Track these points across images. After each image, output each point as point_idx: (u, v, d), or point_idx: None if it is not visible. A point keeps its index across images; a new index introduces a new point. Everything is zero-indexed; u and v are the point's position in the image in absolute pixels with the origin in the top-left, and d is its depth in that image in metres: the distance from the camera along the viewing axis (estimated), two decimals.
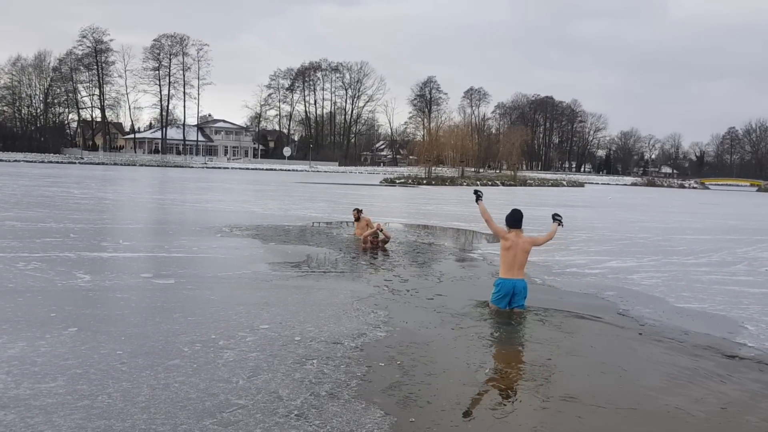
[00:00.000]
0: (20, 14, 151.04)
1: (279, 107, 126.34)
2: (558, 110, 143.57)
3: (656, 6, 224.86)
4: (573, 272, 10.64)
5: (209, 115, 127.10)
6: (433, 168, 67.01)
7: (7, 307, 6.62)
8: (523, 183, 71.76)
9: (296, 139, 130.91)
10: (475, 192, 8.50)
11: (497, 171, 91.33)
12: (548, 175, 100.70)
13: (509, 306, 7.57)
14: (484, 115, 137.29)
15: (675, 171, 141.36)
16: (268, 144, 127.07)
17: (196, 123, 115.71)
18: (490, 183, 66.55)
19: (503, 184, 66.91)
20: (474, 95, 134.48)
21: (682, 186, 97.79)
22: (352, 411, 4.31)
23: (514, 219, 8.00)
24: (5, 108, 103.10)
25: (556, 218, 8.44)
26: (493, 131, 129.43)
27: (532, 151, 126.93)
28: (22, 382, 4.52)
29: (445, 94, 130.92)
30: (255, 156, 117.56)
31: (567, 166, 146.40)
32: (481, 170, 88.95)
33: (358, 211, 14.35)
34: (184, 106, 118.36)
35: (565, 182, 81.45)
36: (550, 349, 6.12)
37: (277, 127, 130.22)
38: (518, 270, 7.78)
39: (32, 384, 4.51)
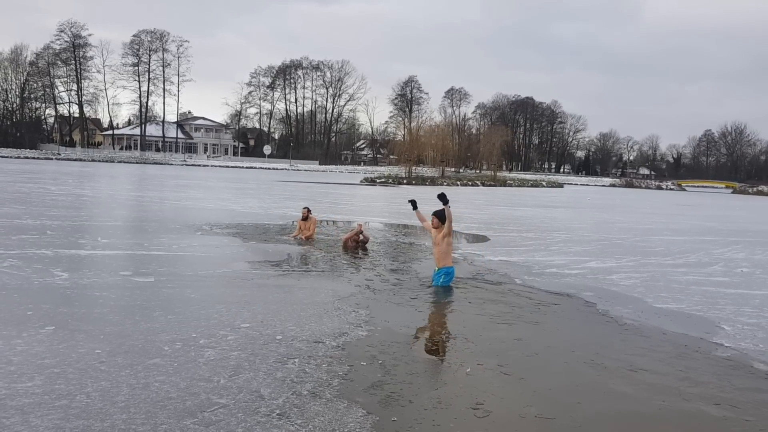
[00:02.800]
0: None
1: (259, 105, 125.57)
2: (538, 111, 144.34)
3: (630, 8, 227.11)
4: (553, 272, 10.73)
5: (189, 112, 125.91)
6: (414, 168, 67.09)
7: None
8: (503, 183, 72.10)
9: (276, 137, 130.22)
10: (411, 202, 10.00)
11: (477, 171, 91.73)
12: (528, 176, 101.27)
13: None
14: (465, 115, 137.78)
15: (652, 172, 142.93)
16: (248, 142, 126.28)
17: (175, 120, 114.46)
18: (470, 183, 66.84)
19: (483, 185, 67.19)
20: (455, 95, 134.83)
21: (659, 187, 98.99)
22: (334, 410, 4.30)
23: (442, 215, 9.34)
24: None
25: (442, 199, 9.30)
26: (474, 131, 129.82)
27: (512, 151, 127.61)
28: None
29: (426, 93, 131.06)
30: (235, 154, 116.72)
31: (547, 166, 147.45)
32: (462, 170, 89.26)
33: (308, 210, 13.78)
34: (164, 103, 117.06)
35: (544, 183, 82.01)
36: (530, 348, 6.16)
37: (257, 125, 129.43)
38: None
39: (8, 383, 4.43)
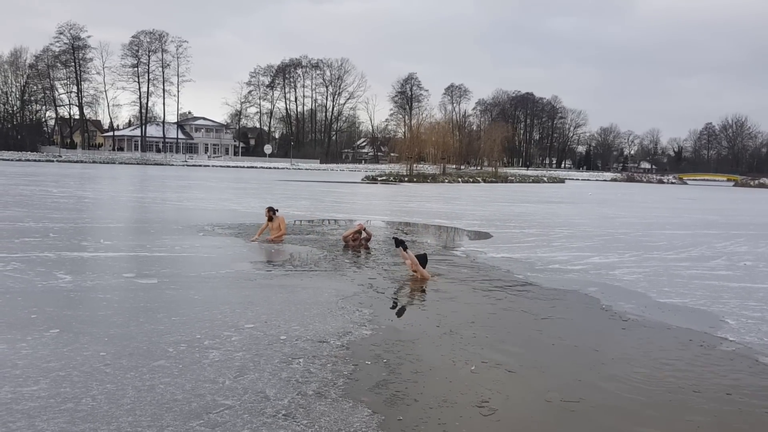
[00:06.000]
0: None
1: (259, 104, 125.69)
2: (538, 107, 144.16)
3: (625, 1, 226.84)
4: (555, 269, 10.72)
5: (189, 113, 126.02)
6: (415, 165, 67.06)
7: None
8: (504, 179, 72.06)
9: (277, 136, 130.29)
10: (395, 239, 10.12)
11: (478, 168, 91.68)
12: (529, 172, 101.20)
13: None
14: (465, 112, 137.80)
15: (654, 166, 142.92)
16: (248, 141, 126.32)
17: (176, 120, 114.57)
18: (471, 180, 66.81)
19: (485, 181, 67.15)
20: (455, 92, 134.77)
21: (660, 181, 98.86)
22: (340, 410, 4.30)
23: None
24: None
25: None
26: (474, 128, 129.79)
27: (513, 147, 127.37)
28: (3, 386, 4.45)
29: (426, 90, 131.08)
30: (235, 154, 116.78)
31: (548, 162, 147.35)
32: (463, 167, 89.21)
33: (272, 211, 13.05)
34: (164, 104, 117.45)
35: (545, 178, 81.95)
36: (534, 345, 6.16)
37: (257, 125, 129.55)
38: None
39: (14, 387, 4.44)
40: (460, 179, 65.83)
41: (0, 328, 5.87)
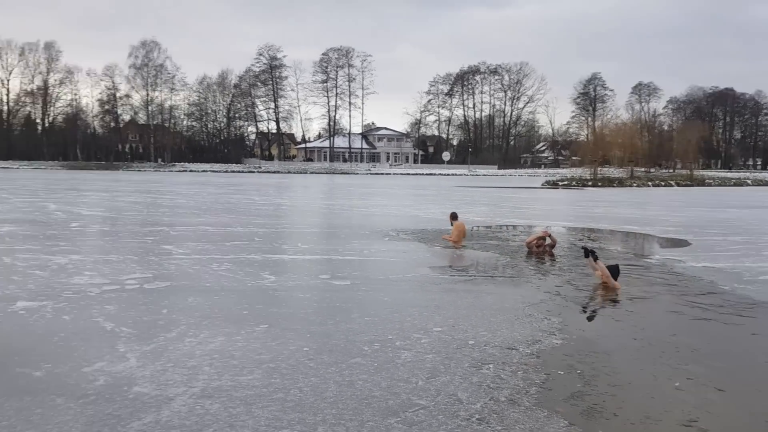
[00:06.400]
0: (202, 36, 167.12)
1: (438, 113, 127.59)
2: (740, 103, 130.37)
3: None
4: (767, 280, 9.65)
5: (372, 123, 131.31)
6: (599, 169, 63.97)
7: (205, 305, 7.30)
8: (701, 183, 66.17)
9: (455, 143, 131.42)
10: (584, 249, 9.69)
11: (671, 170, 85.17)
12: (729, 174, 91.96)
13: None
14: (655, 111, 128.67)
15: None
16: (427, 149, 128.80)
17: (360, 131, 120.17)
18: (663, 183, 62.30)
19: (678, 185, 62.23)
20: (643, 90, 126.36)
21: None
22: (534, 419, 4.23)
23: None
24: (194, 123, 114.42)
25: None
26: (665, 128, 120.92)
27: (710, 148, 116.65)
28: (224, 374, 4.96)
29: (611, 90, 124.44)
30: (415, 161, 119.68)
31: (751, 163, 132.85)
32: (653, 170, 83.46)
33: (453, 217, 13.67)
34: (350, 116, 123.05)
35: (749, 181, 73.95)
36: (747, 363, 5.60)
37: (436, 132, 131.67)
38: None
39: (232, 376, 4.92)
40: (650, 183, 61.68)
41: (218, 322, 6.56)
